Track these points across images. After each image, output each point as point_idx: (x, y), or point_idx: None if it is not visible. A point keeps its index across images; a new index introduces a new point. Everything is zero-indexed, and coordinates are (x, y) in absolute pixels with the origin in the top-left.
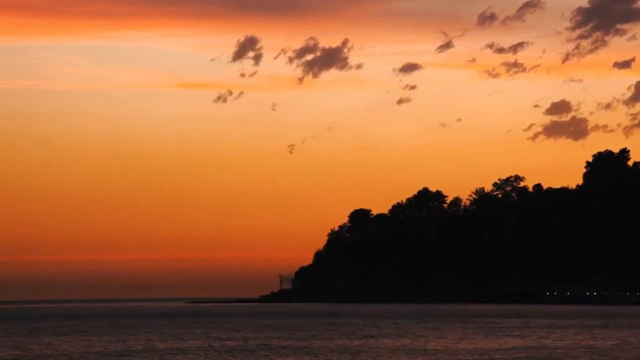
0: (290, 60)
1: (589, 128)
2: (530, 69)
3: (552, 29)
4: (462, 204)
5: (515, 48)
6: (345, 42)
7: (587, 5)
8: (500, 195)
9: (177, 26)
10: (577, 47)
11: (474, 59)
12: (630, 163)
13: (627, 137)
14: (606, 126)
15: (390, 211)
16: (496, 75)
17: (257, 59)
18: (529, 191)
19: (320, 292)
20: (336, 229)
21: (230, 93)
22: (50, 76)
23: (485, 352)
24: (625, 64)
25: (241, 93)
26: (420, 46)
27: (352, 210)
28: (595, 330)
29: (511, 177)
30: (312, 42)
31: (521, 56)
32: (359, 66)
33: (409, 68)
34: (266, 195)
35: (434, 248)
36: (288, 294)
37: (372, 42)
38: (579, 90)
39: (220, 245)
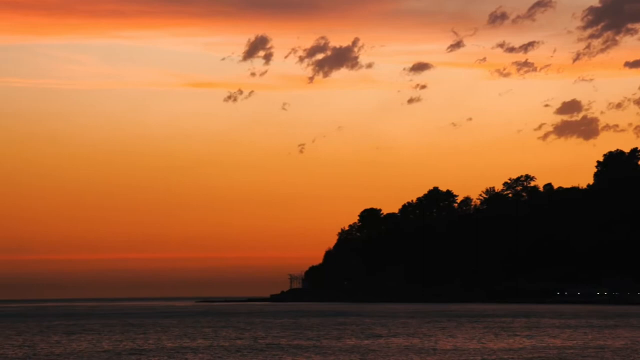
0: (301, 59)
1: (599, 128)
2: (541, 69)
3: (563, 28)
4: (473, 203)
5: (526, 48)
6: (355, 42)
7: (599, 5)
8: (510, 195)
9: (188, 26)
10: (588, 46)
11: (484, 59)
12: None
13: (638, 136)
14: (617, 126)
15: (401, 211)
16: (507, 75)
17: (268, 58)
18: (539, 191)
19: (331, 291)
20: (346, 228)
21: (241, 92)
22: (60, 75)
23: (495, 352)
24: (636, 64)
25: (252, 92)
26: (431, 46)
27: (362, 209)
28: (606, 331)
29: (522, 176)
30: (322, 42)
31: (532, 56)
32: (369, 66)
33: (420, 67)
34: (277, 194)
35: (444, 248)
36: (298, 294)
37: (383, 42)
38: (590, 90)
39: (230, 244)
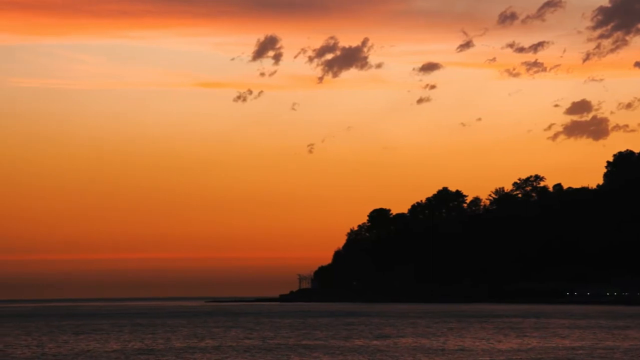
0: (310, 59)
1: (609, 128)
2: (551, 69)
3: (573, 28)
4: (482, 203)
5: (535, 47)
6: (365, 42)
7: (608, 5)
8: (520, 195)
9: (197, 26)
10: (598, 46)
11: (494, 59)
12: None
13: None
14: (627, 126)
15: (410, 211)
16: (516, 75)
17: (277, 58)
18: (549, 191)
19: (339, 291)
20: (355, 228)
21: (250, 92)
22: (66, 75)
23: (503, 353)
24: None
25: (261, 92)
26: (440, 45)
27: (371, 209)
28: (615, 331)
29: (531, 176)
30: (332, 42)
31: (542, 56)
32: (378, 65)
33: (429, 67)
34: (286, 194)
35: (453, 248)
36: (307, 294)
37: (392, 42)
38: (599, 90)
39: (239, 244)
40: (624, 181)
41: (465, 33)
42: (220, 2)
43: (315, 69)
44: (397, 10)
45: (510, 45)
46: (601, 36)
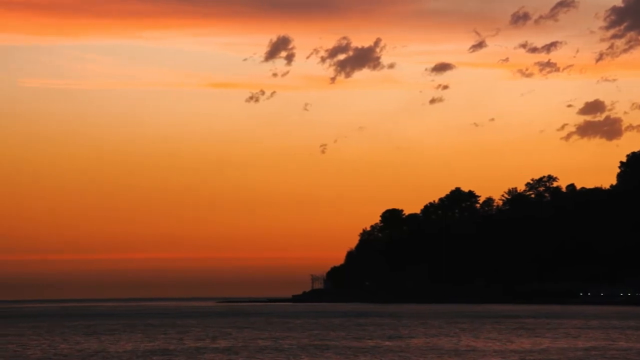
0: (323, 59)
1: (623, 128)
2: (564, 69)
3: (586, 28)
4: (495, 204)
5: (548, 48)
6: (377, 42)
7: (621, 5)
8: (533, 196)
9: (209, 26)
10: (611, 46)
11: (507, 59)
12: None
13: None
14: None
15: (422, 211)
16: (529, 75)
17: (290, 58)
18: (562, 191)
19: (352, 291)
20: (368, 229)
21: (263, 93)
22: (77, 75)
23: (517, 353)
24: None
25: (273, 93)
26: (452, 46)
27: (384, 210)
28: (629, 332)
29: (544, 177)
30: (344, 42)
31: (554, 56)
32: (391, 66)
33: (442, 68)
34: (298, 195)
35: (466, 248)
36: (320, 294)
37: (405, 42)
38: (612, 90)
39: (252, 244)
40: (638, 181)
41: (477, 33)
42: (233, 3)
43: (327, 70)
44: (410, 10)
45: (523, 46)
46: (614, 36)
